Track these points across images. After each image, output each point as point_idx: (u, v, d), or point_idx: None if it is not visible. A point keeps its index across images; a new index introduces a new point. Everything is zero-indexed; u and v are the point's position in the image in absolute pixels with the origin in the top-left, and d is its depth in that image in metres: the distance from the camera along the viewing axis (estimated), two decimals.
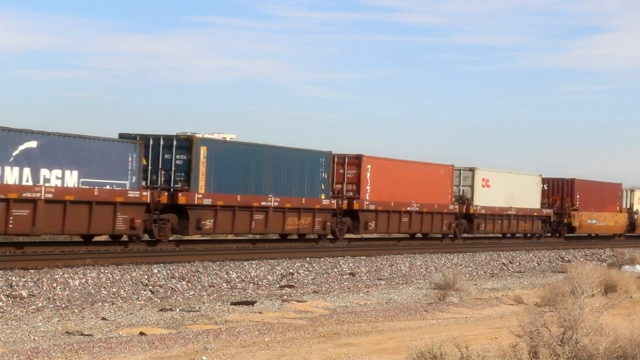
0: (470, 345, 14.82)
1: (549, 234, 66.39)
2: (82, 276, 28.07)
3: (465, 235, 57.03)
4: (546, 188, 66.33)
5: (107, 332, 20.72)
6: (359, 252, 42.99)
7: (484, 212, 57.45)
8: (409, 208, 51.20)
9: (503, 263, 47.10)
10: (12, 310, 23.57)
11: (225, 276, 32.07)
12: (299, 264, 36.64)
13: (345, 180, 47.76)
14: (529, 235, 64.86)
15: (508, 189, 60.66)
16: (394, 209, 50.11)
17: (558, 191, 67.50)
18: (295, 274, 34.88)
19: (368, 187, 48.62)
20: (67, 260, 30.37)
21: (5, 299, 24.62)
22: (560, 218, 66.76)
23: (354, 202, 47.52)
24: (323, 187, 45.27)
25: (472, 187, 57.17)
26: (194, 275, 31.08)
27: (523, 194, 62.09)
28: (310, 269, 36.36)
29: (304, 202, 43.87)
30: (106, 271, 29.14)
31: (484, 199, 57.71)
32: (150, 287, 28.69)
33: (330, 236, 46.66)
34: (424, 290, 32.74)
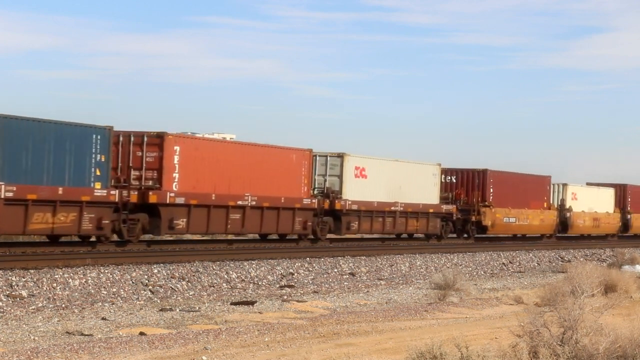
0: (470, 345, 14.82)
1: (453, 235, 56.83)
2: (82, 276, 28.08)
3: (331, 236, 47.45)
4: (454, 180, 57.12)
5: (107, 332, 20.72)
6: (359, 252, 43.00)
7: (357, 207, 47.09)
8: (240, 202, 40.38)
9: (503, 263, 47.12)
10: (12, 310, 23.57)
11: (225, 276, 32.08)
12: (299, 264, 36.66)
13: (144, 165, 37.34)
14: (423, 236, 54.72)
15: (393, 181, 50.40)
16: (217, 202, 39.26)
17: (466, 184, 57.56)
18: (295, 274, 34.90)
19: (176, 175, 37.97)
20: (67, 260, 30.38)
21: (5, 299, 24.62)
22: (467, 216, 56.60)
23: (151, 193, 36.86)
24: (99, 174, 34.46)
25: (340, 177, 46.84)
26: (194, 275, 31.09)
27: (415, 187, 51.81)
28: (310, 269, 36.38)
29: (61, 192, 32.78)
30: (106, 271, 29.15)
31: (357, 191, 47.53)
32: (150, 287, 28.70)
33: (114, 238, 36.36)
34: (424, 290, 32.75)
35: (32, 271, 27.70)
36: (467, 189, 57.28)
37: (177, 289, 29.23)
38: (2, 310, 23.52)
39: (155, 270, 30.49)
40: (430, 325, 23.10)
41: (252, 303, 26.95)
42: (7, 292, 25.20)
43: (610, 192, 73.68)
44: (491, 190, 57.94)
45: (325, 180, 46.66)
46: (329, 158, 46.84)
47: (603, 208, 71.66)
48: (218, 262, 34.07)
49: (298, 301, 28.08)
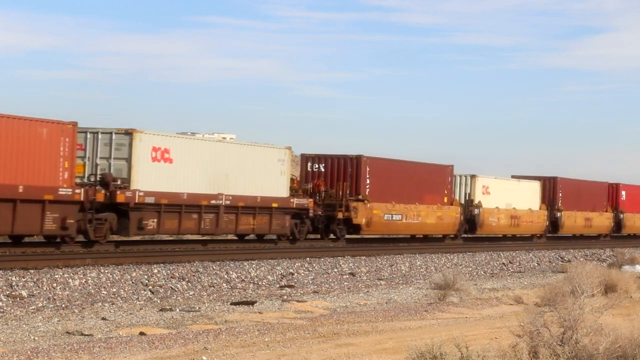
0: (470, 345, 14.82)
1: (313, 236, 46.96)
2: (82, 276, 28.09)
3: (117, 238, 37.74)
4: (322, 169, 47.14)
5: (107, 332, 20.72)
6: (359, 252, 43.01)
7: (154, 200, 36.17)
8: None
9: (503, 263, 47.14)
10: (12, 310, 23.58)
11: (225, 276, 32.09)
12: (299, 264, 36.66)
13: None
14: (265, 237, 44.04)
15: (216, 167, 39.64)
16: None
17: (337, 173, 47.22)
18: (295, 274, 34.90)
19: None
20: (67, 260, 30.37)
21: (5, 299, 24.62)
22: (333, 212, 45.99)
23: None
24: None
25: (129, 160, 35.92)
26: (194, 275, 31.09)
27: (251, 176, 40.84)
28: (310, 269, 36.39)
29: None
30: (106, 271, 29.15)
31: (157, 180, 36.65)
32: (150, 287, 28.70)
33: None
34: (424, 290, 32.75)
35: (32, 271, 27.70)
36: (336, 179, 47.03)
37: (177, 289, 29.24)
38: (2, 310, 23.52)
39: (155, 270, 30.50)
40: (430, 325, 23.10)
41: (252, 303, 26.95)
42: (7, 292, 25.20)
43: (535, 185, 63.65)
44: (367, 181, 47.35)
45: (110, 165, 36.02)
46: (114, 136, 36.05)
47: (525, 204, 61.31)
48: (218, 262, 34.07)
49: (298, 301, 28.08)
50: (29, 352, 16.96)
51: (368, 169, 47.56)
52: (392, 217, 49.39)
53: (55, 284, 26.82)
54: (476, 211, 56.25)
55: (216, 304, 26.75)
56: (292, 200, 42.85)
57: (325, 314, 25.23)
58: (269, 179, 41.80)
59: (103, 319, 22.89)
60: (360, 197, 46.91)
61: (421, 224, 51.95)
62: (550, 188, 64.86)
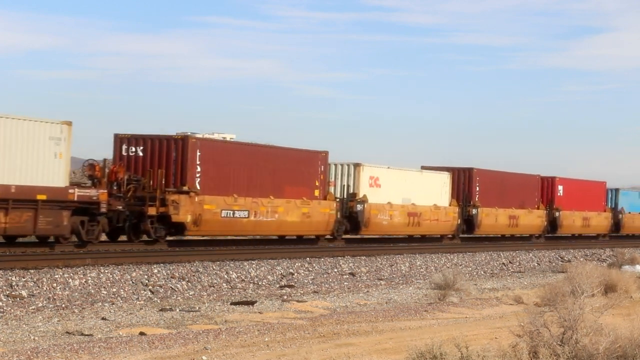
0: (470, 345, 14.83)
1: (125, 238, 37.88)
2: (82, 276, 28.10)
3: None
4: (141, 153, 38.49)
5: (107, 332, 20.73)
6: (359, 252, 43.04)
7: None
8: None
9: (503, 263, 47.17)
10: (12, 310, 23.59)
11: (225, 276, 32.10)
12: (299, 264, 36.68)
13: None
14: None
15: None
16: None
17: (158, 159, 38.41)
18: (295, 274, 34.91)
19: None
20: (67, 260, 30.38)
21: (5, 299, 24.63)
22: (142, 207, 36.92)
23: None
24: None
25: None
26: (194, 275, 31.11)
27: (7, 157, 31.37)
28: (310, 269, 36.41)
29: None
30: (106, 271, 29.16)
31: None
32: (150, 287, 28.71)
33: None
34: (424, 290, 32.77)
35: (32, 271, 27.71)
36: (157, 165, 38.23)
37: (177, 289, 29.24)
38: (2, 310, 23.53)
39: (155, 270, 30.51)
40: (430, 325, 23.10)
41: (252, 303, 26.95)
42: (7, 292, 25.21)
43: (443, 178, 54.22)
44: (198, 168, 38.55)
45: None
46: None
47: (429, 200, 52.24)
48: (218, 262, 34.09)
49: (298, 301, 28.09)
50: (29, 352, 16.97)
51: (199, 154, 38.50)
52: (233, 213, 39.76)
53: (55, 284, 26.84)
54: (359, 207, 46.93)
55: (216, 304, 26.76)
56: (71, 191, 33.25)
57: (325, 314, 25.24)
58: (35, 162, 32.36)
59: (103, 319, 22.90)
60: (185, 188, 37.61)
61: (279, 222, 42.21)
62: (465, 181, 55.98)
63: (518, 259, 49.58)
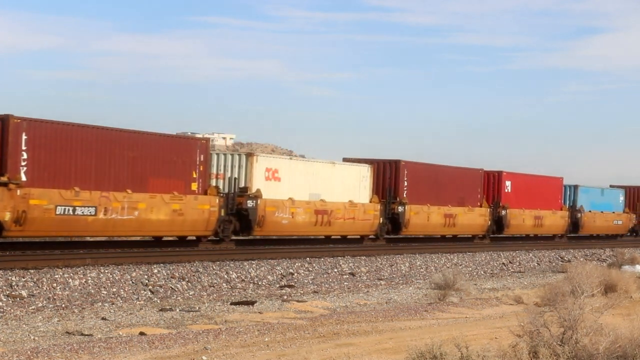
0: (470, 345, 14.82)
1: None
2: (82, 276, 28.11)
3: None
4: None
5: (107, 332, 20.73)
6: (359, 252, 43.04)
7: None
8: None
9: (503, 263, 47.17)
10: (12, 310, 23.59)
11: (225, 276, 32.10)
12: (299, 264, 36.69)
13: None
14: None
15: None
16: None
17: None
18: (295, 274, 34.91)
19: None
20: (67, 260, 30.38)
21: (5, 299, 24.63)
22: None
23: None
24: None
25: None
26: (194, 275, 31.11)
27: None
28: (310, 269, 36.41)
29: None
30: (106, 271, 29.17)
31: None
32: (150, 287, 28.71)
33: None
34: (424, 290, 32.77)
35: (32, 271, 27.72)
36: None
37: (177, 289, 29.25)
38: (2, 310, 23.53)
39: (155, 270, 30.52)
40: (430, 325, 23.10)
41: (252, 303, 26.95)
42: (7, 292, 25.22)
43: (362, 171, 47.54)
44: (24, 154, 31.45)
45: None
46: None
47: (344, 196, 45.94)
48: (218, 262, 34.10)
49: (298, 301, 28.08)
50: (29, 352, 16.97)
51: (25, 137, 31.50)
52: (73, 210, 32.83)
53: (55, 284, 26.84)
54: (251, 204, 40.38)
55: (216, 304, 26.76)
56: None
57: (325, 314, 25.24)
58: None
59: (103, 319, 22.90)
60: (4, 179, 30.79)
61: (139, 221, 35.28)
62: (391, 175, 49.45)
63: (518, 259, 49.59)
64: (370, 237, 48.49)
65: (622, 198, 74.11)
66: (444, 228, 53.40)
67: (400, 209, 49.26)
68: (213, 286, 30.59)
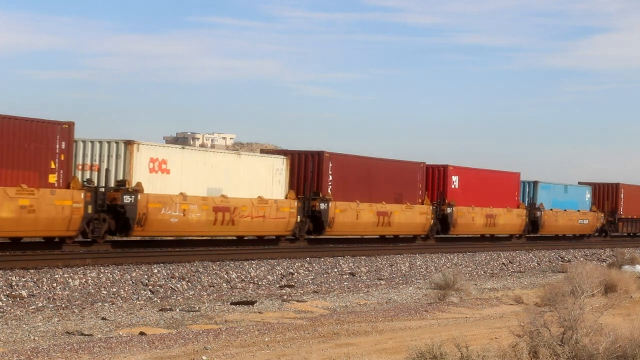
0: (470, 345, 14.82)
1: None
2: (82, 276, 28.11)
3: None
4: None
5: (107, 332, 20.73)
6: (359, 252, 43.03)
7: None
8: None
9: (503, 263, 47.18)
10: (12, 310, 23.59)
11: (225, 276, 32.10)
12: (299, 264, 36.69)
13: None
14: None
15: None
16: None
17: None
18: (295, 274, 34.91)
19: None
20: (67, 260, 30.38)
21: (5, 299, 24.64)
22: None
23: None
24: None
25: None
26: (194, 275, 31.11)
27: None
28: (310, 269, 36.41)
29: None
30: (106, 271, 29.17)
31: None
32: (150, 287, 28.72)
33: None
34: (424, 290, 32.77)
35: (32, 271, 27.72)
36: None
37: (177, 289, 29.24)
38: (2, 310, 23.53)
39: (155, 270, 30.52)
40: (430, 325, 23.10)
41: (252, 303, 26.95)
42: (7, 292, 25.22)
43: (276, 163, 42.24)
44: None
45: None
46: None
47: (253, 191, 40.85)
48: (218, 262, 34.10)
49: (298, 301, 28.08)
50: (29, 352, 16.97)
51: None
52: None
53: (55, 284, 26.84)
54: (128, 199, 35.01)
55: (216, 304, 26.76)
56: None
57: (325, 314, 25.24)
58: None
59: (103, 319, 22.90)
60: None
61: None
62: (314, 169, 44.33)
63: (518, 259, 49.60)
64: (286, 237, 43.37)
65: (588, 196, 69.64)
66: (378, 228, 48.04)
67: (322, 206, 44.11)
68: (213, 286, 30.59)
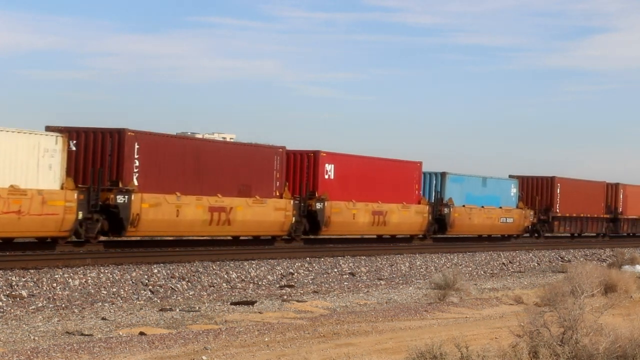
0: (470, 345, 14.81)
1: None
2: (82, 276, 28.10)
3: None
4: None
5: (107, 332, 20.72)
6: (359, 252, 43.00)
7: None
8: None
9: (503, 263, 47.18)
10: (12, 310, 23.58)
11: (225, 276, 32.09)
12: (299, 264, 36.68)
13: None
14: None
15: None
16: None
17: None
18: (295, 274, 34.91)
19: None
20: (67, 260, 30.37)
21: (5, 299, 24.63)
22: None
23: None
24: None
25: None
26: (194, 275, 31.10)
27: None
28: (310, 269, 36.40)
29: None
30: (106, 271, 29.16)
31: None
32: (150, 287, 28.71)
33: None
34: (424, 290, 32.75)
35: (32, 271, 27.71)
36: None
37: (177, 289, 29.24)
38: (2, 310, 23.52)
39: (155, 270, 30.51)
40: (430, 325, 23.09)
41: (252, 303, 26.94)
42: (7, 292, 25.21)
43: (43, 142, 31.90)
44: None
45: None
46: None
47: (5, 179, 30.58)
48: (218, 262, 34.09)
49: (298, 301, 28.07)
50: (29, 352, 16.96)
51: None
52: None
53: (55, 284, 26.83)
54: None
55: (216, 304, 26.75)
56: None
57: (325, 314, 25.23)
58: None
59: (103, 319, 22.89)
60: None
61: None
62: (113, 151, 34.96)
63: (518, 259, 49.61)
64: (63, 237, 33.31)
65: (514, 190, 60.81)
66: (210, 227, 38.60)
67: (122, 199, 34.43)
68: (213, 286, 30.58)
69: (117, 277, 28.77)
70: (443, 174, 53.45)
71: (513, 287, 35.44)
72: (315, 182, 43.86)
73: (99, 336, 20.02)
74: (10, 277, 26.49)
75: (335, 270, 37.22)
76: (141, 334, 20.39)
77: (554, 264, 50.09)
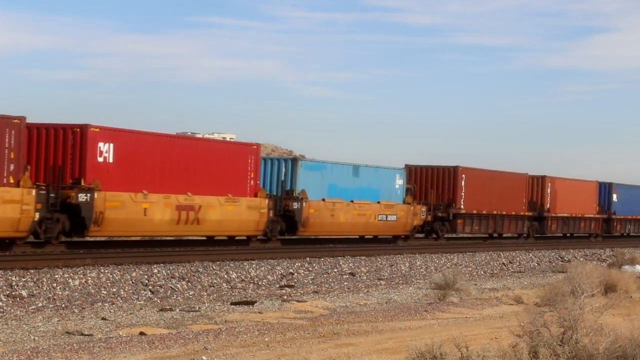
0: (470, 345, 14.81)
1: None
2: (82, 276, 28.10)
3: None
4: None
5: (107, 332, 20.72)
6: (359, 252, 43.02)
7: None
8: None
9: (503, 263, 47.18)
10: (12, 310, 23.58)
11: (225, 276, 32.10)
12: (299, 264, 36.68)
13: None
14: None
15: None
16: None
17: None
18: (295, 274, 34.91)
19: None
20: (67, 260, 30.37)
21: (5, 299, 24.63)
22: None
23: None
24: None
25: None
26: (194, 275, 31.10)
27: None
28: (310, 269, 36.40)
29: None
30: (106, 271, 29.16)
31: None
32: (150, 287, 28.71)
33: None
34: (424, 290, 32.76)
35: (32, 271, 27.71)
36: None
37: (177, 289, 29.24)
38: (2, 310, 23.52)
39: (155, 270, 30.51)
40: (430, 325, 23.09)
41: (252, 303, 26.95)
42: (7, 292, 25.21)
43: None
44: None
45: None
46: None
47: None
48: (218, 262, 34.09)
49: (298, 301, 28.08)
50: (29, 352, 16.96)
51: None
52: None
53: (55, 284, 26.83)
54: None
55: (216, 304, 26.76)
56: None
57: (325, 314, 25.23)
58: None
59: (103, 319, 22.89)
60: None
61: None
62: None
63: (518, 259, 49.62)
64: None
65: (400, 182, 50.38)
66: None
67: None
68: (213, 286, 30.58)
69: (117, 277, 28.78)
70: (294, 160, 44.99)
71: (513, 287, 35.44)
72: (83, 167, 33.45)
73: (99, 336, 20.02)
74: (10, 277, 26.49)
75: (335, 270, 37.22)
76: (141, 334, 20.39)
77: (554, 264, 50.10)
